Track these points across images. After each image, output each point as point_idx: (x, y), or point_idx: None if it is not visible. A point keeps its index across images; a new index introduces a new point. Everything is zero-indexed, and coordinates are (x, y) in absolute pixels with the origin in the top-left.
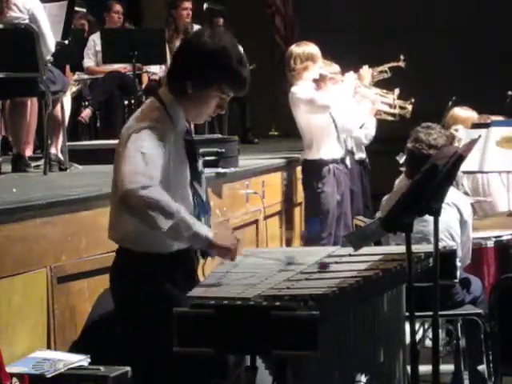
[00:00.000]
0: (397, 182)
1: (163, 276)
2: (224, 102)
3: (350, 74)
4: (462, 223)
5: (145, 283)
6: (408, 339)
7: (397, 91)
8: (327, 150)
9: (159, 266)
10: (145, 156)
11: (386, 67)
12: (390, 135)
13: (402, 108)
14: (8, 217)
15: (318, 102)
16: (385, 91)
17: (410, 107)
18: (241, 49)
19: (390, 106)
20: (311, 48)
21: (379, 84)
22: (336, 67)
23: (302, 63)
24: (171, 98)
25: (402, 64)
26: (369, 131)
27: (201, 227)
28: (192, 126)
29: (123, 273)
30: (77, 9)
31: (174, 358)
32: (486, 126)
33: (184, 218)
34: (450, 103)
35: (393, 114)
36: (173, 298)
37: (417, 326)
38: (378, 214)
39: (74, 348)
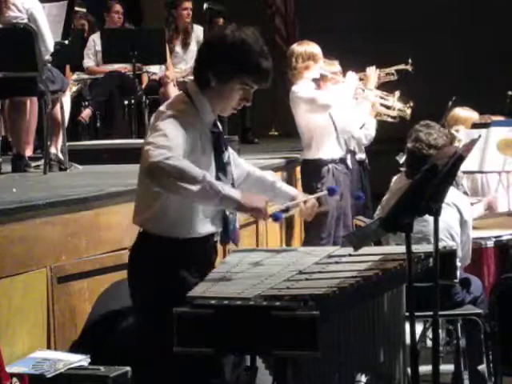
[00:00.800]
0: (393, 180)
1: (185, 261)
2: (248, 95)
3: (352, 74)
4: (462, 223)
5: (167, 268)
6: (408, 339)
7: (397, 94)
8: (326, 150)
9: (182, 251)
10: (167, 136)
11: (392, 69)
12: (389, 135)
13: (400, 111)
14: (8, 217)
15: (319, 100)
16: (385, 93)
17: (408, 111)
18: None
19: (390, 108)
20: (313, 47)
21: (382, 84)
22: (337, 66)
23: (304, 62)
24: (197, 91)
25: (409, 68)
26: (369, 132)
27: (229, 190)
28: None
29: (144, 256)
30: (77, 9)
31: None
32: (486, 126)
33: (211, 181)
34: (450, 103)
35: (393, 116)
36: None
37: (418, 326)
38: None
39: (74, 348)
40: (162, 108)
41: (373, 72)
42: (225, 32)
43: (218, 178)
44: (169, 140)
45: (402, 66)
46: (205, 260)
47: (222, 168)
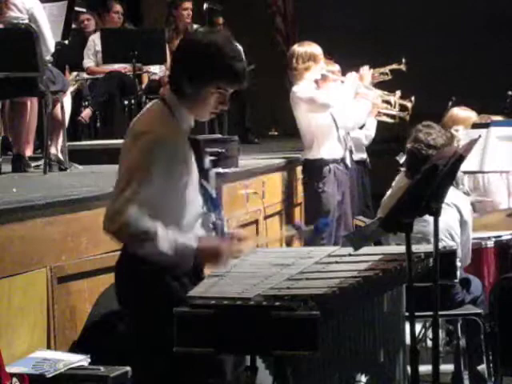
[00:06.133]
0: (396, 180)
1: (172, 274)
2: (225, 98)
3: (352, 75)
4: (462, 223)
5: (154, 281)
6: (408, 339)
7: (398, 93)
8: (328, 149)
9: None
10: (145, 182)
11: (387, 69)
12: (390, 135)
13: (402, 107)
14: (8, 217)
15: (319, 100)
16: (386, 93)
17: (409, 105)
18: (237, 45)
19: (390, 104)
20: (313, 48)
21: (379, 84)
22: (336, 65)
23: (304, 63)
24: (175, 100)
25: (403, 67)
26: (369, 132)
27: (184, 238)
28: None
29: (130, 271)
30: (77, 9)
31: (174, 358)
32: (485, 125)
33: (160, 235)
34: (450, 103)
35: (393, 116)
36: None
37: (419, 326)
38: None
39: (74, 348)
40: (139, 125)
41: (366, 71)
42: (196, 37)
43: (201, 185)
44: (144, 187)
45: (395, 66)
46: (195, 267)
47: (204, 174)
